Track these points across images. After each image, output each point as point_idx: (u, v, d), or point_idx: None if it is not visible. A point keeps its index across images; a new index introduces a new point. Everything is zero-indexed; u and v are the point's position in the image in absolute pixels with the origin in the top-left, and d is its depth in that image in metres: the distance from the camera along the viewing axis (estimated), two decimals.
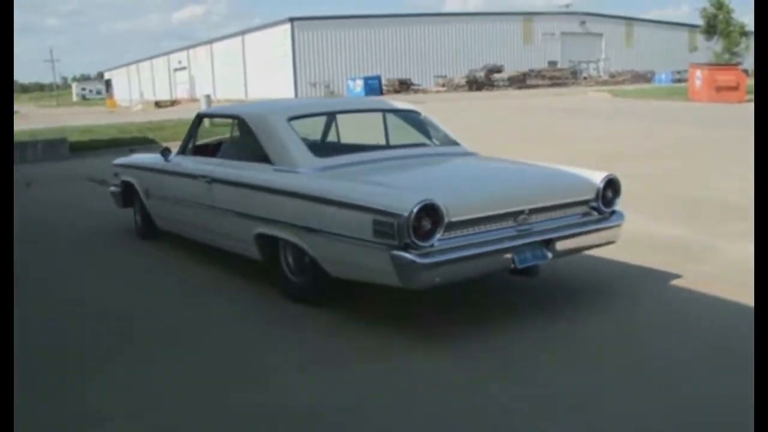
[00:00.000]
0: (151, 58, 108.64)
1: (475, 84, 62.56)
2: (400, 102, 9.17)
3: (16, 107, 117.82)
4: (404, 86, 65.00)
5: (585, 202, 6.39)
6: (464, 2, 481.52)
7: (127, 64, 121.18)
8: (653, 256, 7.50)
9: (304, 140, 7.18)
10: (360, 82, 62.70)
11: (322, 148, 7.61)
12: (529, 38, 79.45)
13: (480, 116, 29.93)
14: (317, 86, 68.96)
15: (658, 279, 6.88)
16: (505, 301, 6.51)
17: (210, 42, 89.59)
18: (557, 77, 65.87)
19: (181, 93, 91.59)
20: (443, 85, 65.42)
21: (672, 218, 9.45)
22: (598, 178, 6.46)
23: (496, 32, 77.12)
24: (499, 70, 66.97)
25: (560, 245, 6.08)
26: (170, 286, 7.59)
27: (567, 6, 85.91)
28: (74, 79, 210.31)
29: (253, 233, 6.85)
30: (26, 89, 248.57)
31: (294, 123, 7.13)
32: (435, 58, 74.02)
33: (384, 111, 8.23)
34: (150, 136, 24.40)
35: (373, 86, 61.50)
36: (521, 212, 5.87)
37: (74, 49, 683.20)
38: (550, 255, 5.96)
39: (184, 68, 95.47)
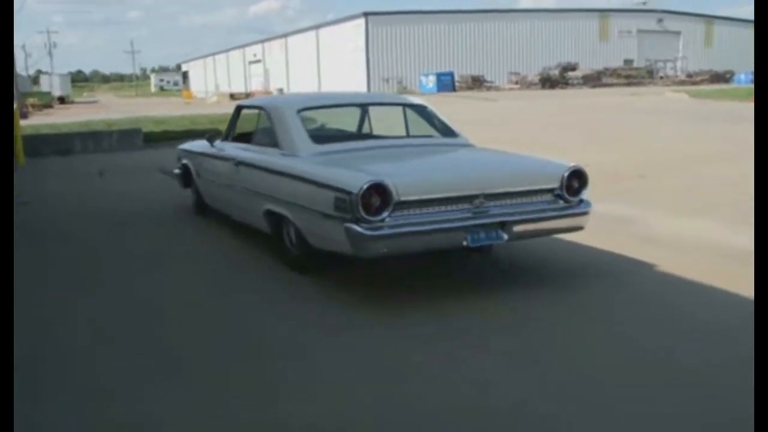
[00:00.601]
0: (227, 50, 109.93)
1: (548, 82, 61.97)
2: (413, 97, 10.21)
3: (96, 96, 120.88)
4: (477, 83, 64.75)
5: (550, 191, 6.93)
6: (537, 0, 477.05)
7: (204, 57, 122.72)
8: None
9: (310, 130, 8.25)
10: (432, 78, 62.61)
11: (324, 137, 8.47)
12: (604, 36, 78.41)
13: (551, 115, 29.52)
14: (390, 81, 69.05)
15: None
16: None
17: (285, 36, 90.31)
18: (633, 76, 64.86)
19: (255, 86, 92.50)
20: (516, 83, 64.94)
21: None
22: (563, 168, 6.96)
23: (571, 29, 76.28)
24: (573, 68, 66.23)
25: (517, 228, 6.69)
26: (210, 253, 8.86)
27: (644, 3, 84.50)
28: (153, 71, 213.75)
29: (262, 209, 7.83)
30: (107, 79, 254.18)
31: (303, 114, 8.16)
32: (508, 54, 73.56)
33: (391, 104, 9.58)
34: (221, 128, 24.58)
35: (446, 82, 61.35)
36: (476, 196, 6.52)
37: (154, 41, 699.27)
38: (505, 236, 6.61)
39: (258, 61, 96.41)
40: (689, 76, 69.33)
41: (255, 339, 5.66)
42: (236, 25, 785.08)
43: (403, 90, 66.13)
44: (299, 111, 8.13)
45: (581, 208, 7.04)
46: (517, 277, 7.28)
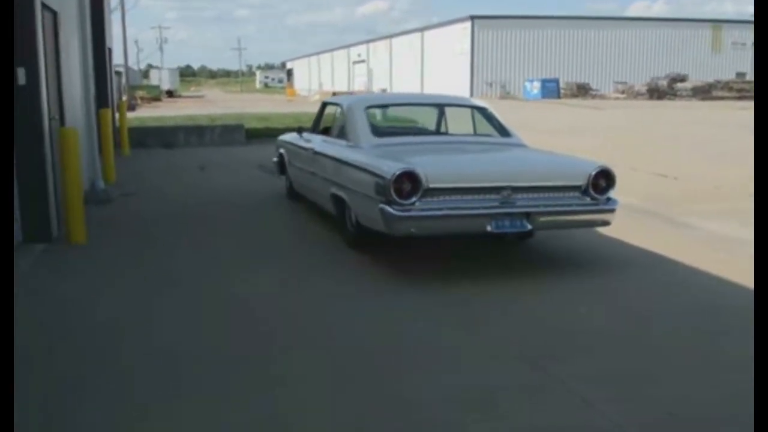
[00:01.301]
0: (332, 50, 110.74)
1: (656, 92, 60.33)
2: (477, 100, 11.36)
3: (203, 91, 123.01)
4: (582, 90, 63.63)
5: (577, 187, 7.65)
6: (648, 8, 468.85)
7: (309, 55, 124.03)
8: None
9: (375, 125, 9.43)
10: (537, 84, 61.85)
11: (386, 131, 9.61)
12: (717, 47, 76.09)
13: (662, 126, 28.66)
14: (493, 86, 68.45)
15: None
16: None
17: (390, 37, 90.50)
18: (746, 90, 62.57)
19: (358, 85, 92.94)
20: (622, 92, 63.49)
21: None
22: (591, 167, 7.71)
23: (682, 39, 74.23)
24: (682, 79, 64.33)
25: (542, 219, 7.54)
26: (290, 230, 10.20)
27: None
28: (258, 67, 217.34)
29: (329, 193, 8.88)
30: (213, 75, 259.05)
31: (370, 111, 9.39)
32: (615, 63, 72.09)
33: (450, 105, 10.58)
34: None
35: (551, 89, 60.53)
36: (504, 188, 7.33)
37: (260, 38, 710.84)
38: (529, 226, 7.43)
39: (363, 61, 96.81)
40: None
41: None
42: (342, 25, 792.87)
43: (506, 95, 65.54)
44: (367, 108, 9.32)
45: (607, 205, 7.72)
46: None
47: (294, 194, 11.72)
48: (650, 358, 5.32)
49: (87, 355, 5.30)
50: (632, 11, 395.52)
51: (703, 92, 59.80)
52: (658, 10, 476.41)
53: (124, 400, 4.54)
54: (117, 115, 21.03)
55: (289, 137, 11.97)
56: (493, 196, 7.34)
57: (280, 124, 25.55)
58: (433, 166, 7.48)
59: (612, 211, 7.77)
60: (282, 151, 12.18)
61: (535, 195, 7.52)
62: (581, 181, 7.63)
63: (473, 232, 7.65)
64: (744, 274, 7.11)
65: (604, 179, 7.66)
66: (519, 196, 7.40)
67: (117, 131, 19.24)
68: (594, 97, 61.46)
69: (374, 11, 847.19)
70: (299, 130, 11.24)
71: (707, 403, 4.57)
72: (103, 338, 5.64)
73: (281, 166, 12.29)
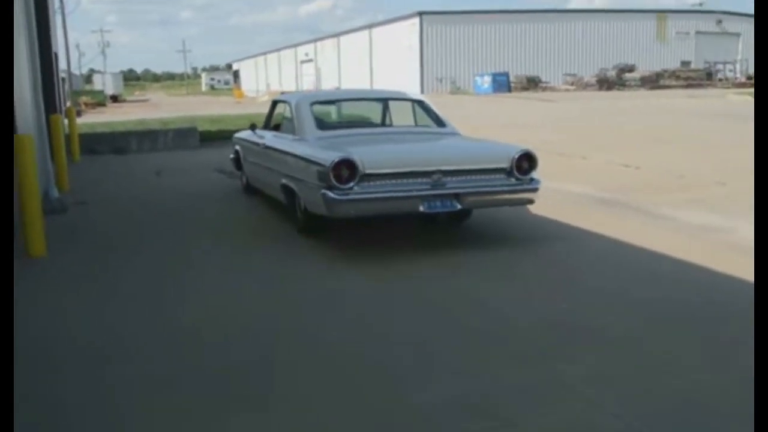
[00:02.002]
0: (278, 50, 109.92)
1: (605, 83, 60.78)
2: (413, 93, 11.96)
3: (147, 95, 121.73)
4: (532, 83, 63.77)
5: (503, 170, 8.44)
6: (590, 0, 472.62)
7: (255, 56, 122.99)
8: None
9: (319, 119, 9.98)
10: (488, 79, 61.82)
11: (329, 125, 10.46)
12: (662, 37, 76.79)
13: (615, 116, 28.65)
14: (443, 81, 68.35)
15: None
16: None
17: (337, 35, 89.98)
18: (692, 78, 63.28)
19: (307, 85, 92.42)
20: (572, 84, 63.81)
21: None
22: (514, 150, 8.52)
23: (628, 30, 74.88)
24: (630, 69, 64.90)
25: (470, 199, 8.36)
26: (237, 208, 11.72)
27: (700, 4, 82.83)
28: (203, 70, 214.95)
29: (280, 183, 9.54)
30: (158, 78, 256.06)
31: (315, 107, 10.04)
32: (564, 55, 72.44)
33: (390, 99, 11.31)
34: None
35: (502, 82, 60.55)
36: (434, 172, 8.11)
37: (204, 40, 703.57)
38: (458, 205, 8.24)
39: (310, 60, 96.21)
40: (749, 78, 67.51)
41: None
42: (287, 25, 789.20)
43: (456, 90, 65.49)
44: (312, 104, 10.03)
45: (530, 185, 8.52)
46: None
47: (250, 189, 12.39)
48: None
49: (71, 389, 4.88)
50: (575, 3, 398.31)
51: (651, 82, 60.44)
52: (599, 2, 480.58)
53: None
54: (66, 121, 20.40)
55: (244, 134, 12.51)
56: (424, 180, 8.11)
57: (234, 126, 24.93)
58: (369, 154, 8.17)
59: (535, 190, 8.57)
60: (237, 147, 12.83)
61: (464, 178, 8.30)
62: (505, 164, 8.44)
63: (407, 212, 8.35)
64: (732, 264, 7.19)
65: (526, 161, 8.48)
66: (449, 179, 8.19)
67: (67, 138, 18.64)
68: (545, 89, 61.61)
69: (318, 10, 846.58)
70: (252, 127, 11.88)
71: None
72: (88, 364, 5.24)
73: (237, 162, 12.90)
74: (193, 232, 10.01)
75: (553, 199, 11.24)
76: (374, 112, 11.40)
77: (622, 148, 17.59)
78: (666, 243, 8.33)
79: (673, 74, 63.83)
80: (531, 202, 8.81)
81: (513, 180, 8.46)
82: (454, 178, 8.23)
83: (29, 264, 8.06)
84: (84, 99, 62.35)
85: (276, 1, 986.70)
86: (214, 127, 24.88)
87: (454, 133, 9.97)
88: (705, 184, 12.51)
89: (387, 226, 9.37)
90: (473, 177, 8.37)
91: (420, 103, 10.73)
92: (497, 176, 8.47)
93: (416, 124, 10.49)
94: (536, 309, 6.22)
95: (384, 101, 11.33)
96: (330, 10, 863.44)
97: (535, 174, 8.59)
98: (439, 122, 10.19)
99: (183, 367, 5.11)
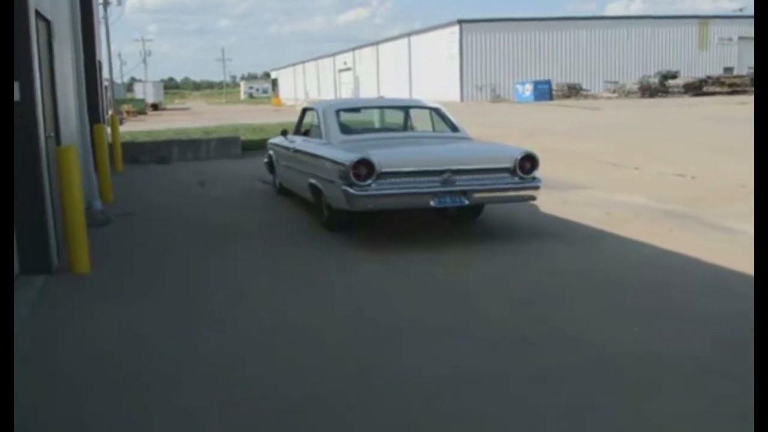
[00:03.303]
0: (317, 58, 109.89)
1: (648, 91, 59.78)
2: (430, 102, 12.37)
3: (187, 103, 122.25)
4: (573, 91, 63.00)
5: (507, 169, 9.26)
6: (626, 7, 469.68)
7: (294, 64, 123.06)
8: None
9: (344, 124, 10.91)
10: (529, 87, 61.14)
11: (353, 129, 11.24)
12: (704, 43, 75.65)
13: (663, 125, 27.99)
14: (483, 89, 67.75)
15: None
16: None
17: (376, 43, 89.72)
18: (737, 84, 62.04)
19: (345, 93, 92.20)
20: (614, 91, 62.91)
21: None
22: (517, 152, 9.42)
23: (669, 37, 73.69)
24: (674, 76, 63.82)
25: (477, 195, 9.18)
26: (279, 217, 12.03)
27: (741, 10, 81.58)
28: (242, 78, 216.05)
29: (307, 183, 10.34)
30: (197, 86, 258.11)
31: (340, 114, 10.99)
32: (604, 62, 71.49)
33: (409, 107, 12.32)
34: None
35: (543, 90, 59.81)
36: (444, 171, 8.96)
37: (243, 49, 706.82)
38: (466, 201, 9.12)
39: (349, 69, 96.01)
40: None
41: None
42: (324, 34, 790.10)
43: (497, 98, 64.89)
44: (338, 111, 10.99)
45: (533, 183, 9.35)
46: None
47: (283, 190, 13.20)
48: None
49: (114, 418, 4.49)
50: (610, 11, 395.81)
51: (695, 88, 59.27)
52: (635, 9, 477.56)
53: None
54: (109, 129, 20.19)
55: (277, 140, 13.34)
56: (435, 178, 8.97)
57: (276, 134, 24.78)
58: (385, 155, 9.13)
59: (537, 188, 9.41)
60: (271, 152, 13.73)
61: (471, 176, 9.14)
62: (509, 164, 9.27)
63: (419, 207, 9.31)
64: None
65: (529, 161, 9.30)
66: (458, 177, 9.03)
67: (110, 147, 18.41)
68: (586, 97, 60.83)
69: (356, 19, 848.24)
70: (284, 133, 12.79)
71: None
72: (130, 398, 4.83)
73: (270, 166, 13.81)
74: (241, 244, 9.66)
75: (620, 212, 11.00)
76: (396, 118, 12.49)
77: (674, 158, 17.08)
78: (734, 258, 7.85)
79: (717, 80, 62.59)
80: (533, 198, 9.65)
81: (516, 179, 9.29)
82: (462, 177, 9.08)
83: (73, 281, 7.72)
84: (126, 107, 62.71)
85: (313, 11, 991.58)
86: (256, 136, 24.57)
87: (466, 138, 10.85)
88: None
89: (403, 225, 10.33)
90: (480, 176, 9.22)
91: (437, 110, 11.52)
92: (502, 175, 9.31)
93: (434, 130, 11.43)
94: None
95: (404, 108, 12.32)
96: (368, 18, 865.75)
97: (536, 173, 9.42)
98: (454, 128, 11.07)
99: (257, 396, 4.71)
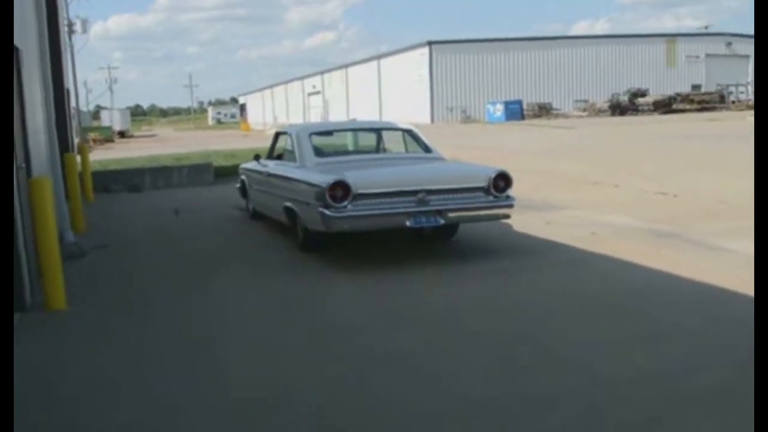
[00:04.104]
0: (285, 82, 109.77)
1: (618, 109, 60.11)
2: (402, 124, 12.46)
3: (155, 130, 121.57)
4: (544, 110, 63.21)
5: (481, 188, 9.38)
6: (591, 26, 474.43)
7: (262, 89, 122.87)
8: None
9: (317, 147, 10.93)
10: (501, 107, 61.27)
11: (327, 152, 11.34)
12: (672, 61, 76.29)
13: (637, 143, 27.97)
14: (454, 111, 67.83)
15: None
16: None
17: (345, 66, 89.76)
18: (706, 101, 62.59)
19: (314, 116, 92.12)
20: (584, 110, 63.21)
21: None
22: (491, 171, 9.52)
23: (638, 55, 74.37)
24: (643, 94, 64.27)
25: (451, 214, 9.26)
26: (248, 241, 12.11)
27: (706, 27, 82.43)
28: (210, 104, 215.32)
29: (282, 206, 10.39)
30: (164, 113, 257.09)
31: (313, 137, 11.06)
32: (574, 81, 71.90)
33: (382, 129, 12.39)
34: None
35: (514, 110, 59.98)
36: (418, 191, 9.04)
37: (209, 75, 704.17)
38: (442, 221, 9.16)
39: (318, 92, 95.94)
40: None
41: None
42: (292, 58, 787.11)
43: (467, 119, 64.94)
44: (311, 134, 11.07)
45: (506, 202, 9.47)
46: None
47: (256, 215, 13.15)
48: None
49: None
50: (575, 31, 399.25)
51: (665, 106, 59.76)
52: (600, 28, 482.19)
53: None
54: (79, 158, 19.78)
55: (249, 165, 13.49)
56: (410, 198, 9.04)
57: (248, 160, 24.50)
58: (361, 177, 9.22)
59: (510, 206, 9.52)
60: (243, 177, 13.81)
61: (446, 196, 9.23)
62: (483, 183, 9.39)
63: (395, 227, 9.30)
64: None
65: (502, 180, 9.41)
66: (432, 197, 9.11)
67: (80, 176, 18.02)
68: (557, 116, 61.06)
69: (322, 43, 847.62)
70: (257, 158, 12.80)
71: None
72: None
73: (243, 191, 13.88)
74: (222, 274, 9.30)
75: (605, 232, 10.85)
76: (369, 140, 12.67)
77: (653, 176, 16.97)
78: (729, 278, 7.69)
79: (686, 98, 63.13)
80: (507, 216, 9.71)
81: (491, 197, 9.40)
82: (437, 197, 9.15)
83: (48, 319, 7.35)
84: (93, 135, 62.10)
85: (281, 35, 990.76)
86: (228, 162, 24.25)
87: (440, 158, 10.95)
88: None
89: (378, 245, 10.38)
90: (454, 195, 9.31)
91: (409, 132, 11.64)
92: (476, 194, 9.41)
93: (406, 151, 11.50)
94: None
95: (377, 131, 12.36)
96: (335, 42, 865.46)
97: (510, 192, 9.51)
98: (426, 149, 11.19)
99: None
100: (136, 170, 22.06)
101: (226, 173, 21.61)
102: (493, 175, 9.39)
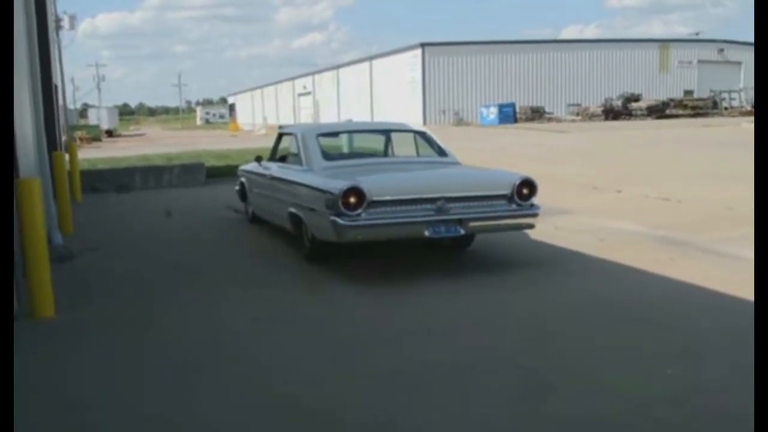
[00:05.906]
0: (276, 83, 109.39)
1: (611, 113, 59.94)
2: (415, 126, 12.23)
3: (142, 129, 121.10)
4: (537, 114, 62.99)
5: (504, 196, 8.79)
6: (581, 31, 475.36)
7: (252, 89, 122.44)
8: None
9: (325, 150, 10.20)
10: (494, 110, 61.14)
11: (335, 155, 10.74)
12: (664, 66, 76.30)
13: (634, 148, 27.71)
14: (446, 113, 67.55)
15: None
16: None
17: (336, 67, 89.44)
18: (699, 107, 62.58)
19: (305, 117, 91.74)
20: (577, 114, 63.00)
21: None
22: (515, 178, 8.90)
23: (631, 60, 74.43)
24: (636, 99, 64.18)
25: (473, 224, 8.66)
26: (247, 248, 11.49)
27: (697, 34, 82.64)
28: (198, 104, 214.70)
29: (287, 212, 9.80)
30: (152, 112, 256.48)
31: (321, 138, 10.34)
32: (567, 85, 71.86)
33: (393, 131, 11.70)
34: None
35: (508, 114, 59.89)
36: (438, 199, 8.43)
37: (199, 74, 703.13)
38: (462, 231, 8.56)
39: (308, 93, 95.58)
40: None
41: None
42: (282, 58, 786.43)
43: (460, 122, 64.69)
44: (318, 135, 10.38)
45: (531, 210, 8.91)
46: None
47: (256, 218, 12.60)
48: None
49: None
50: (565, 35, 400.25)
51: (658, 111, 59.67)
52: (590, 33, 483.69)
53: None
54: (67, 157, 19.31)
55: (249, 167, 12.96)
56: (429, 206, 8.43)
57: (241, 161, 23.98)
58: (376, 182, 8.55)
59: (535, 215, 8.96)
60: (243, 179, 13.21)
61: (467, 204, 8.62)
62: (507, 190, 8.81)
63: (413, 237, 8.72)
64: None
65: (527, 188, 8.86)
66: (452, 205, 8.50)
67: (68, 175, 17.56)
68: (550, 120, 60.80)
69: (311, 43, 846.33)
70: (258, 159, 12.16)
71: None
72: None
73: (242, 194, 13.28)
74: (216, 281, 8.89)
75: (614, 238, 10.61)
76: (377, 143, 11.83)
77: (655, 181, 16.82)
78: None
79: (680, 103, 63.08)
80: (531, 226, 9.19)
81: (514, 206, 8.83)
82: (457, 205, 8.55)
83: (35, 327, 6.91)
84: (80, 134, 61.48)
85: (271, 35, 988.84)
86: (220, 163, 23.87)
87: (456, 163, 10.37)
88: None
89: (391, 255, 9.70)
90: (476, 203, 8.71)
91: (422, 134, 11.10)
92: (499, 202, 8.82)
93: (418, 154, 10.91)
94: None
95: (387, 133, 11.69)
96: (325, 43, 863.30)
97: (535, 200, 8.97)
98: (441, 152, 10.55)
99: None
100: (126, 170, 21.57)
101: (218, 174, 21.27)
102: (517, 182, 8.82)
